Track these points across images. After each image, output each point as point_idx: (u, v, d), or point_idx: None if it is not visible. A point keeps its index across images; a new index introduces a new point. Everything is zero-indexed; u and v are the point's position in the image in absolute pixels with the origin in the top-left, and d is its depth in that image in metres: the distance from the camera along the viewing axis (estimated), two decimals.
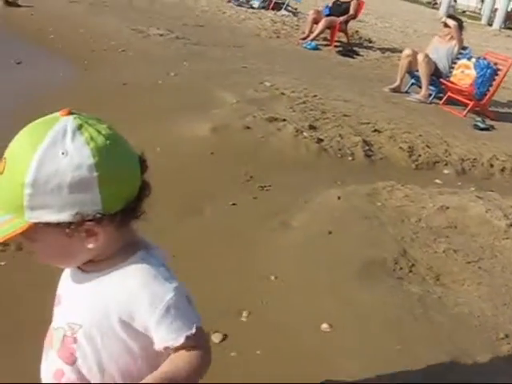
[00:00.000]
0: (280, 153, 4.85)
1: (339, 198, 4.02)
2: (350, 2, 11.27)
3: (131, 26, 9.37)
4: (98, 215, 1.08)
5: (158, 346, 1.16)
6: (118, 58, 7.86)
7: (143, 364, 1.21)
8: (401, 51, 11.30)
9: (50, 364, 1.25)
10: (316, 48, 10.71)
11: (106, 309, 1.16)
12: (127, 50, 8.14)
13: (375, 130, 5.85)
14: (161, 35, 9.05)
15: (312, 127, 5.45)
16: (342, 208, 3.88)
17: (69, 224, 1.07)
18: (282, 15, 13.63)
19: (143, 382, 1.12)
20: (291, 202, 4.01)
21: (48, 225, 1.06)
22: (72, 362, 1.20)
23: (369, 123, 6.02)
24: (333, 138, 5.35)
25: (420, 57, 8.36)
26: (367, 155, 5.26)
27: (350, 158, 5.12)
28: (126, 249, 1.19)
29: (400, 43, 13.53)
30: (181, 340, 1.15)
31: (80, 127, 1.06)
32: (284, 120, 5.42)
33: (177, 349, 1.16)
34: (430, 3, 37.12)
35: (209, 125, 5.12)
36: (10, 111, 5.31)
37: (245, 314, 2.77)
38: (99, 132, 1.08)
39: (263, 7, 14.32)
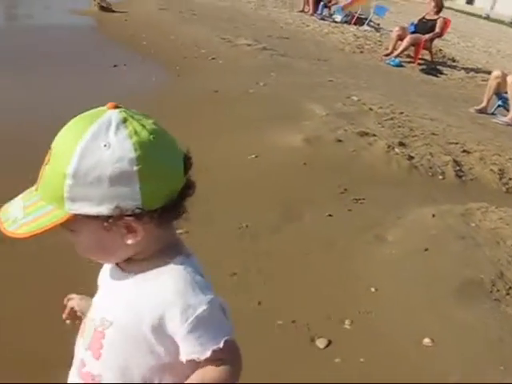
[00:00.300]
0: (371, 167, 4.90)
1: (434, 216, 4.03)
2: (436, 20, 11.19)
3: (220, 35, 9.61)
4: (138, 210, 1.06)
5: (184, 357, 1.13)
6: (208, 65, 8.10)
7: (166, 372, 1.18)
8: (485, 71, 11.19)
9: (79, 351, 1.25)
10: (400, 65, 10.68)
11: (139, 310, 1.14)
12: (217, 58, 8.37)
13: (464, 151, 5.80)
14: (248, 45, 9.24)
15: (402, 144, 5.47)
16: (437, 226, 3.90)
17: (107, 217, 1.06)
18: (365, 30, 13.64)
19: None
20: (385, 216, 4.06)
21: (87, 217, 1.06)
22: (97, 356, 1.19)
23: (457, 143, 5.99)
24: (423, 156, 5.35)
25: (509, 79, 8.22)
26: (458, 175, 5.24)
27: (440, 177, 5.11)
28: (166, 251, 1.16)
29: (484, 63, 13.31)
30: (207, 353, 1.11)
31: (125, 120, 1.06)
32: (374, 135, 5.46)
33: (204, 362, 1.13)
34: None
35: (301, 136, 5.22)
36: None
37: (347, 322, 2.85)
38: (143, 126, 1.07)
39: (346, 21, 14.38)
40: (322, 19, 14.38)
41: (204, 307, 1.10)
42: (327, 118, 5.93)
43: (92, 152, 1.03)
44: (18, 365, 2.38)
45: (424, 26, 11.19)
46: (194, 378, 1.14)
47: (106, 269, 1.27)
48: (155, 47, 8.80)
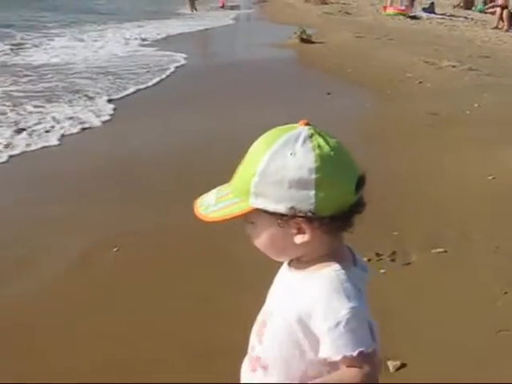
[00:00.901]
0: None
1: None
2: None
3: (422, 58, 9.73)
4: (309, 213, 1.19)
5: (320, 354, 1.24)
6: (416, 89, 8.25)
7: (310, 366, 1.28)
8: None
9: (252, 338, 1.41)
10: None
11: (293, 303, 1.27)
12: (424, 81, 8.49)
13: None
14: (453, 67, 9.26)
15: None
16: None
17: (282, 215, 1.21)
18: None
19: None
20: None
21: (265, 212, 1.22)
22: (260, 341, 1.36)
23: None
24: None
25: None
26: None
27: None
28: (328, 258, 1.28)
29: None
30: (338, 357, 1.20)
31: (311, 136, 1.21)
32: None
33: (342, 364, 1.22)
34: None
35: None
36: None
37: None
38: (327, 143, 1.20)
39: None
40: None
41: (344, 311, 1.19)
42: None
43: (280, 157, 1.20)
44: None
45: None
46: (334, 377, 1.25)
47: (283, 265, 1.42)
48: (360, 74, 9.15)
